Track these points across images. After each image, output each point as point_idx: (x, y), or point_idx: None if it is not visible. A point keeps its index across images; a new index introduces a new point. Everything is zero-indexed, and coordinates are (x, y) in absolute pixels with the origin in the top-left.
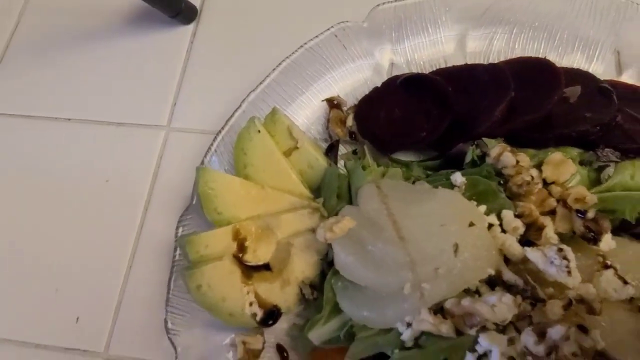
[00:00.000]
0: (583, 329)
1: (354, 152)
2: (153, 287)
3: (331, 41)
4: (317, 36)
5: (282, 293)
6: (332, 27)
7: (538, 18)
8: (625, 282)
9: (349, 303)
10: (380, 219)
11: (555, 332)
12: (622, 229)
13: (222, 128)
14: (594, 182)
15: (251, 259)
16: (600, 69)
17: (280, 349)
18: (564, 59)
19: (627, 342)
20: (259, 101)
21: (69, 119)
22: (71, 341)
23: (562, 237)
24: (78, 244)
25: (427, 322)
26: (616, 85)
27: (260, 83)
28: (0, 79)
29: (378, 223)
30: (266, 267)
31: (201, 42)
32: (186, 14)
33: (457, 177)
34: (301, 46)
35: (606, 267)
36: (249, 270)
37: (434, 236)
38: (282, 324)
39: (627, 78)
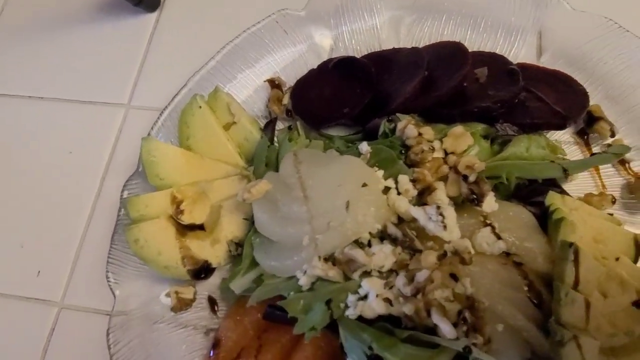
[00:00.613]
0: (454, 277)
1: (289, 128)
2: (107, 245)
3: (272, 26)
4: (259, 22)
5: (213, 250)
6: (272, 14)
7: (465, 6)
8: (499, 238)
9: (262, 256)
10: (291, 181)
11: (421, 275)
12: (517, 196)
13: (169, 104)
14: (497, 154)
15: (187, 219)
16: (522, 52)
17: (211, 300)
18: (488, 44)
19: (497, 289)
20: (204, 81)
21: (41, 98)
22: (32, 292)
23: (456, 202)
24: (43, 206)
25: (318, 268)
26: (528, 68)
27: (205, 64)
28: None
29: (289, 185)
30: (200, 227)
31: (163, 28)
32: (149, 2)
33: (363, 146)
34: (244, 31)
35: (485, 225)
36: (184, 229)
37: (331, 194)
38: (215, 279)
39: (545, 60)
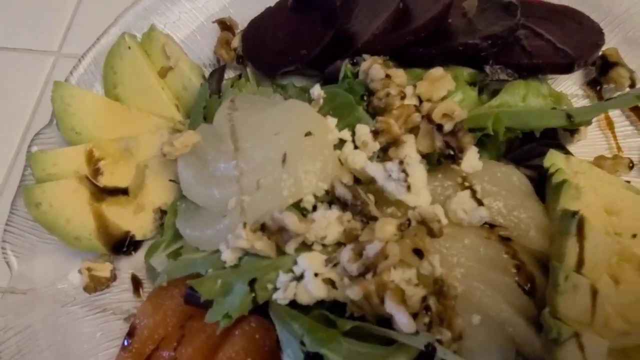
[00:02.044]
0: (419, 253)
1: (239, 77)
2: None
3: None
4: None
5: (136, 219)
6: None
7: None
8: (480, 204)
9: (184, 224)
10: (222, 131)
11: (372, 249)
12: (510, 157)
13: (93, 45)
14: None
15: (107, 181)
16: None
17: (134, 279)
18: None
19: (475, 271)
20: (140, 19)
21: None
22: None
23: (430, 161)
24: None
25: (242, 238)
26: (533, 3)
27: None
28: None
29: (220, 136)
30: (123, 191)
31: None
32: None
33: (315, 90)
34: None
35: (464, 188)
36: (101, 193)
37: (265, 145)
38: (142, 254)
39: None
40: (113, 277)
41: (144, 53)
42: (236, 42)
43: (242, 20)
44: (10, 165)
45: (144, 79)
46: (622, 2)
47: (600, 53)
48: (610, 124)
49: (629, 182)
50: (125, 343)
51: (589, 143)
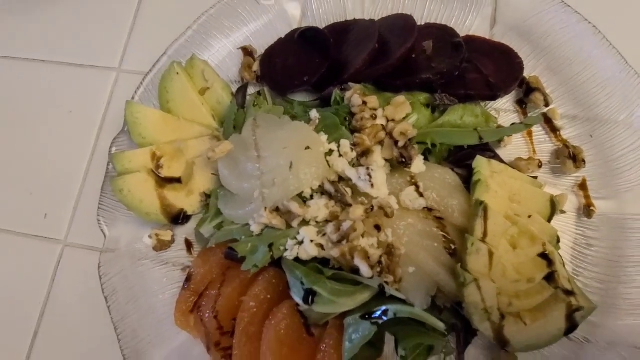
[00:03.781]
0: (378, 227)
1: (259, 93)
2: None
3: None
4: None
5: (188, 199)
6: None
7: None
8: (421, 195)
9: (223, 206)
10: (249, 142)
11: (345, 225)
12: (451, 160)
13: (150, 70)
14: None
15: (166, 173)
16: (476, 23)
17: (187, 242)
18: (445, 14)
19: (415, 239)
20: (182, 48)
21: (43, 61)
22: (40, 231)
23: (392, 164)
24: (48, 159)
25: (264, 217)
26: (476, 40)
27: (183, 33)
28: None
29: (247, 146)
30: (177, 180)
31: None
32: None
33: (313, 113)
34: (219, 1)
35: (411, 184)
36: (163, 182)
37: (278, 155)
38: (192, 224)
39: (496, 31)
40: (172, 240)
41: (187, 76)
42: (256, 66)
43: (260, 47)
44: (89, 160)
45: (189, 97)
46: (547, 39)
47: (519, 83)
48: (529, 133)
49: (536, 177)
50: (185, 285)
51: (514, 147)
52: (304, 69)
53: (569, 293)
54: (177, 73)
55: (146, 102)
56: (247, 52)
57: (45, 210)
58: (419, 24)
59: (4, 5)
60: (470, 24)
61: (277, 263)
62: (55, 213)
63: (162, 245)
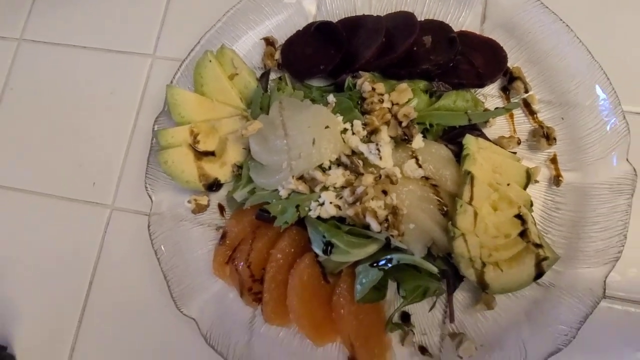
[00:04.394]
0: (385, 192)
1: (280, 79)
2: (144, 163)
3: None
4: None
5: (221, 170)
6: None
7: None
8: (420, 167)
9: (255, 175)
10: (276, 122)
11: (359, 190)
12: (446, 137)
13: (186, 58)
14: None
15: (202, 147)
16: (469, 19)
17: (220, 206)
18: (442, 10)
19: (415, 202)
20: (213, 39)
21: (84, 47)
22: (90, 197)
23: (396, 141)
24: (95, 135)
25: (292, 184)
26: (468, 35)
27: (214, 25)
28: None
29: (275, 125)
30: (212, 153)
31: None
32: None
33: (330, 98)
34: None
35: (412, 157)
36: (200, 155)
37: (303, 133)
38: (223, 191)
39: (486, 27)
40: (208, 205)
41: (218, 64)
42: (277, 54)
43: (281, 38)
44: (130, 135)
45: (220, 81)
46: (528, 35)
47: (503, 73)
48: (511, 116)
49: (515, 152)
50: (220, 242)
51: (498, 127)
52: (320, 58)
53: (538, 246)
54: (210, 61)
55: (182, 86)
56: (269, 42)
57: (93, 179)
58: (419, 19)
59: None
60: (463, 19)
61: (299, 223)
62: (102, 182)
63: (199, 209)
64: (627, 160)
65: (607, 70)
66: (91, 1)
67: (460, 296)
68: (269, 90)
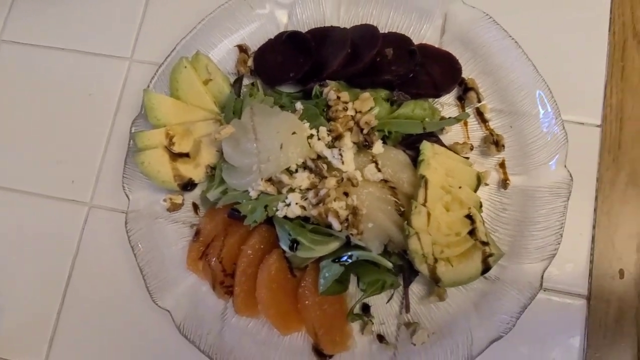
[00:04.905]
0: (346, 194)
1: (252, 84)
2: (121, 164)
3: (241, 3)
4: (230, 0)
5: (195, 171)
6: None
7: None
8: (379, 170)
9: (227, 176)
10: (248, 127)
11: (322, 192)
12: (404, 143)
13: (162, 63)
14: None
15: (177, 149)
16: (429, 32)
17: (194, 205)
18: (405, 23)
19: (374, 203)
20: (189, 45)
21: (62, 49)
22: (69, 195)
23: (359, 146)
24: (75, 134)
25: (261, 185)
26: (427, 47)
27: (189, 32)
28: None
29: (246, 130)
30: (186, 155)
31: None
32: None
33: (298, 105)
34: (219, 6)
35: (372, 162)
36: (175, 156)
37: (271, 138)
38: (197, 191)
39: (445, 39)
40: (182, 203)
41: (193, 69)
42: (250, 61)
43: (254, 45)
44: (108, 136)
45: (195, 86)
46: (482, 48)
47: (458, 84)
48: (465, 123)
49: (468, 157)
50: (194, 238)
51: (454, 134)
52: (290, 66)
53: (485, 244)
54: (185, 67)
55: (158, 90)
56: (243, 49)
57: (72, 177)
58: (384, 31)
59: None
60: (424, 32)
61: (268, 221)
62: (81, 180)
63: (174, 207)
64: (564, 166)
65: (550, 83)
66: (70, 5)
67: (416, 289)
68: (241, 96)
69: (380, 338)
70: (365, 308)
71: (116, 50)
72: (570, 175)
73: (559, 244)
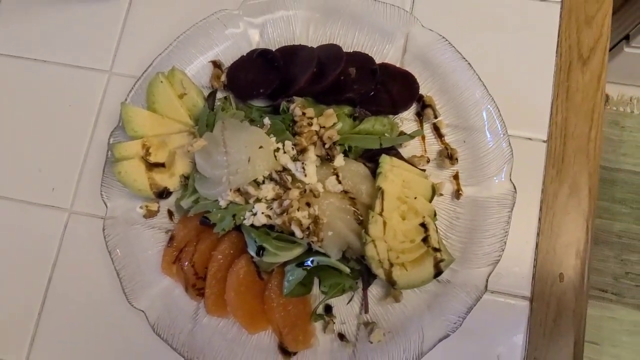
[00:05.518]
0: (308, 204)
1: (225, 99)
2: (100, 172)
3: (215, 22)
4: (205, 18)
5: (170, 180)
6: (215, 12)
7: (354, 14)
8: (339, 182)
9: (199, 186)
10: (219, 140)
11: (286, 202)
12: (365, 156)
13: (139, 78)
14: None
15: (153, 159)
16: (391, 51)
17: (169, 212)
18: (368, 43)
19: (334, 212)
20: (165, 61)
21: (45, 61)
22: (49, 202)
23: (322, 159)
24: (56, 143)
25: (229, 196)
26: (388, 66)
27: (165, 49)
28: None
29: (217, 143)
30: (162, 165)
31: (135, 12)
32: None
33: (266, 120)
34: (193, 25)
35: (333, 174)
36: (151, 166)
37: (240, 152)
38: (172, 198)
39: (406, 58)
40: (158, 210)
41: (169, 84)
42: (223, 77)
43: (227, 61)
44: (88, 145)
45: (170, 100)
46: (439, 68)
47: (416, 100)
48: (423, 138)
49: (424, 169)
50: (169, 244)
51: (412, 147)
52: (261, 82)
53: (437, 250)
54: (161, 81)
55: (136, 103)
56: (216, 65)
57: (53, 185)
58: (349, 50)
59: (8, 6)
60: (387, 51)
61: (237, 228)
62: (61, 187)
63: (150, 214)
64: (510, 179)
65: (501, 101)
66: (51, 18)
67: (374, 291)
68: (215, 109)
69: (341, 337)
70: (328, 309)
71: (96, 63)
72: (515, 187)
73: (503, 250)
